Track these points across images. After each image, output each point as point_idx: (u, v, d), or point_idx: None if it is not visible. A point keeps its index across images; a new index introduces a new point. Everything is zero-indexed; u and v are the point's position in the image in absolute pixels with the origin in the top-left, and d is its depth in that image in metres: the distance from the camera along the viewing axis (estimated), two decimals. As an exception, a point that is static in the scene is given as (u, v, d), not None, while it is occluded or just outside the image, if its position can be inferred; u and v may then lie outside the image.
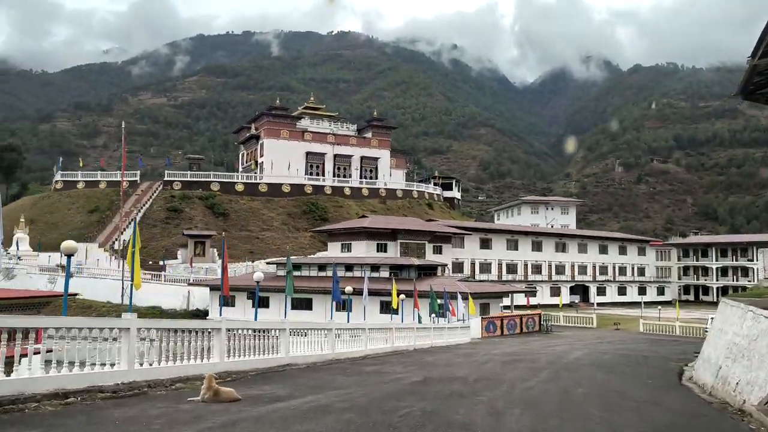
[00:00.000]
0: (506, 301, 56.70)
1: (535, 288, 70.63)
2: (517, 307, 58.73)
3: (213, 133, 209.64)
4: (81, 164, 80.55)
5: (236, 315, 55.26)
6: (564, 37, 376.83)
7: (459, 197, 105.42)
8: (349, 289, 32.38)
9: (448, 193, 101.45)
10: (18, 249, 61.72)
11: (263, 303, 55.19)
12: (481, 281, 62.08)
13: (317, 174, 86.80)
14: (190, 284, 57.92)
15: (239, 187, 79.12)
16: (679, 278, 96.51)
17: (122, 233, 67.51)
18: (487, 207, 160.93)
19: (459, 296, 38.93)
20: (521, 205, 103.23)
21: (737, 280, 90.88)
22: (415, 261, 51.77)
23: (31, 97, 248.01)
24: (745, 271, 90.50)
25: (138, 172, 79.01)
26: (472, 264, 72.56)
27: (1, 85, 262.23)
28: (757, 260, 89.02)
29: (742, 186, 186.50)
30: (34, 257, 62.59)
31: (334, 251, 65.16)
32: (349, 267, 54.55)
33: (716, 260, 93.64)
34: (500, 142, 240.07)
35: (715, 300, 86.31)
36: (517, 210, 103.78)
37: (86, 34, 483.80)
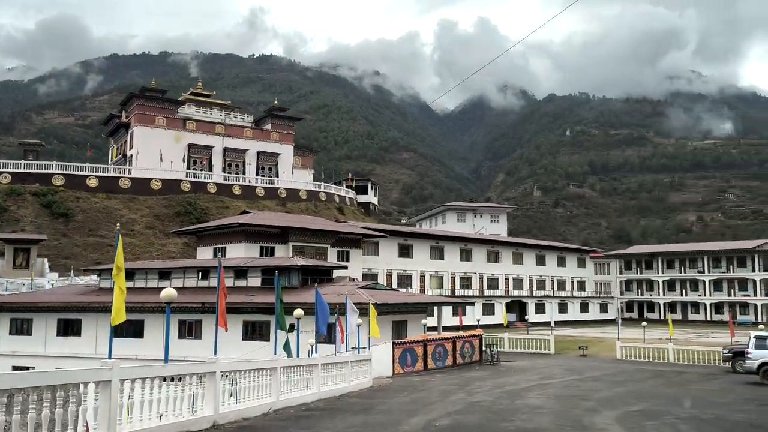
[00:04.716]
0: (431, 322, 38.71)
1: (470, 301, 53.30)
2: (446, 328, 41.03)
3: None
4: None
5: (34, 347, 35.07)
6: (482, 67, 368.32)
7: (376, 203, 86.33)
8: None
9: (362, 198, 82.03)
10: None
11: (73, 329, 35.12)
12: (394, 290, 43.94)
13: (202, 170, 66.55)
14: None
15: (92, 182, 58.03)
16: (621, 293, 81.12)
17: None
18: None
19: (348, 307, 20.45)
20: (446, 212, 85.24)
21: (686, 295, 76.29)
22: (299, 261, 33.14)
23: None
24: (695, 285, 76.00)
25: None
26: (389, 275, 54.42)
27: None
28: (708, 272, 74.98)
29: (652, 210, 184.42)
30: None
31: (204, 257, 46.00)
32: (204, 273, 35.46)
33: (662, 272, 78.60)
34: (422, 167, 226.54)
35: (662, 318, 71.30)
36: (442, 217, 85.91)
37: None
